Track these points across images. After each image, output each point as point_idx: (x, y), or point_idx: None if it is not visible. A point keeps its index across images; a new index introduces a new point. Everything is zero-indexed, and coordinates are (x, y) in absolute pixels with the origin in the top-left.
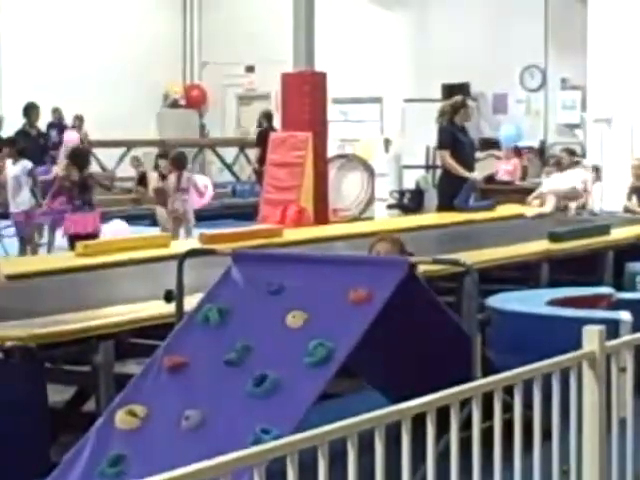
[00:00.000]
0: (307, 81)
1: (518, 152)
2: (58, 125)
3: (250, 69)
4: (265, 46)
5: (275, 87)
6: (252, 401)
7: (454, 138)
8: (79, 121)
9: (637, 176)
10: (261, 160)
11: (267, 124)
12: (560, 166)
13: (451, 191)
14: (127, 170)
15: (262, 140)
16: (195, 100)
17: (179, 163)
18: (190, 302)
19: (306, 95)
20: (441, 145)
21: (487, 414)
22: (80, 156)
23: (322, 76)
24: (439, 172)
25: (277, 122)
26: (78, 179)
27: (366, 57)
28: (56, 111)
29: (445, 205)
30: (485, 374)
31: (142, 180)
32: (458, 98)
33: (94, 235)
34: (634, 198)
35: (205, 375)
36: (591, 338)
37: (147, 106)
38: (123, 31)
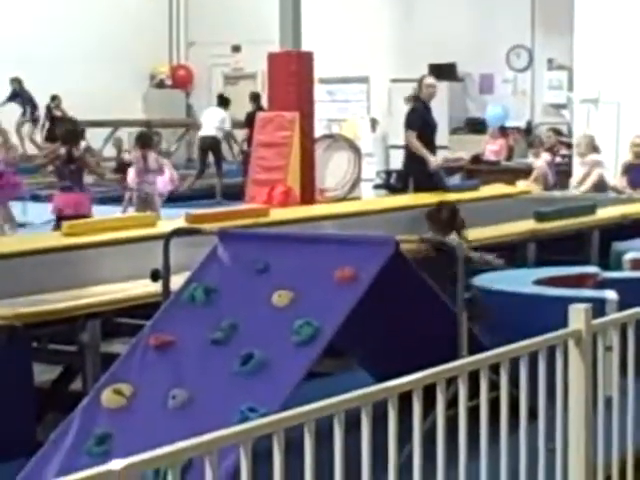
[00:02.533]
0: (294, 61)
1: (504, 132)
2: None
3: (236, 49)
4: (252, 26)
5: (262, 67)
6: (238, 380)
7: (423, 119)
8: (57, 101)
9: (636, 154)
10: (249, 141)
11: (255, 105)
12: (543, 146)
13: (420, 172)
14: (113, 151)
15: (250, 121)
16: (181, 80)
17: (143, 141)
18: (176, 281)
19: (293, 75)
20: (408, 125)
21: (473, 392)
22: (69, 134)
23: (309, 56)
24: (405, 153)
25: (264, 102)
26: (66, 158)
27: (353, 37)
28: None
29: (421, 186)
30: (472, 352)
31: (120, 167)
32: (420, 76)
33: (86, 217)
34: (624, 177)
35: (191, 354)
36: (577, 317)
37: (133, 86)
38: (109, 11)
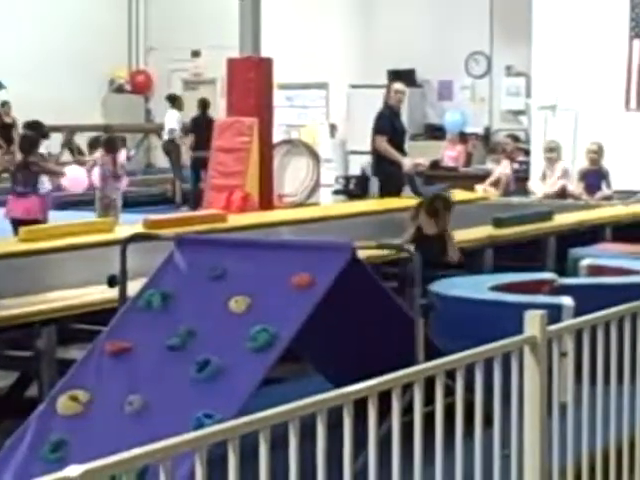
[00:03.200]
0: (253, 66)
1: (463, 138)
2: None
3: (196, 54)
4: (211, 31)
5: (221, 72)
6: (195, 386)
7: (391, 124)
8: (6, 107)
9: (592, 160)
10: (196, 146)
11: (201, 111)
12: (505, 153)
13: (390, 176)
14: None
15: (195, 127)
16: (141, 85)
17: (111, 146)
18: (133, 287)
19: (252, 80)
20: (377, 130)
21: (430, 398)
22: (26, 140)
23: (268, 62)
24: (374, 158)
25: (223, 108)
26: (21, 163)
27: (312, 43)
28: None
29: (387, 190)
30: (429, 358)
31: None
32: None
33: (40, 221)
34: (580, 184)
35: (148, 360)
36: (532, 323)
37: (92, 91)
38: (68, 16)
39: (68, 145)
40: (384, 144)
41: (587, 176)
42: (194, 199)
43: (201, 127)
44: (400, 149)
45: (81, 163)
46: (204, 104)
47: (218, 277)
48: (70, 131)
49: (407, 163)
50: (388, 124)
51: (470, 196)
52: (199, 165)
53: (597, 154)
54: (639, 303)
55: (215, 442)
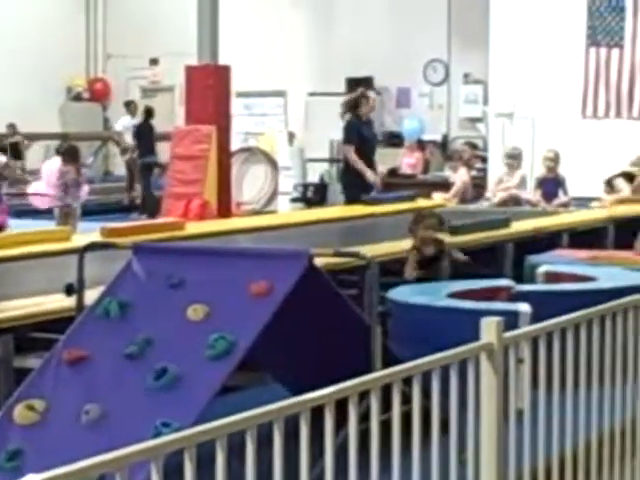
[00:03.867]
0: (211, 74)
1: (421, 145)
2: None
3: (154, 62)
4: (169, 39)
5: (179, 80)
6: (152, 395)
7: (359, 133)
8: None
9: (549, 168)
10: (140, 152)
11: (145, 118)
12: (462, 160)
13: (355, 185)
14: (31, 163)
15: (139, 133)
16: (99, 93)
17: (74, 155)
18: (91, 296)
19: (210, 88)
20: (346, 140)
21: (388, 406)
22: None
23: (226, 69)
24: (341, 166)
25: (182, 116)
26: None
27: (270, 51)
28: None
29: (351, 199)
30: (386, 366)
31: None
32: (359, 90)
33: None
34: (537, 191)
35: (105, 369)
36: (489, 329)
37: (50, 99)
38: (26, 24)
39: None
40: (351, 154)
41: (544, 183)
42: (146, 205)
43: (144, 134)
44: (369, 158)
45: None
46: (148, 112)
47: (176, 285)
48: (30, 139)
49: (371, 177)
50: (356, 133)
51: (428, 204)
52: (145, 171)
53: (553, 161)
54: (594, 309)
55: (172, 451)
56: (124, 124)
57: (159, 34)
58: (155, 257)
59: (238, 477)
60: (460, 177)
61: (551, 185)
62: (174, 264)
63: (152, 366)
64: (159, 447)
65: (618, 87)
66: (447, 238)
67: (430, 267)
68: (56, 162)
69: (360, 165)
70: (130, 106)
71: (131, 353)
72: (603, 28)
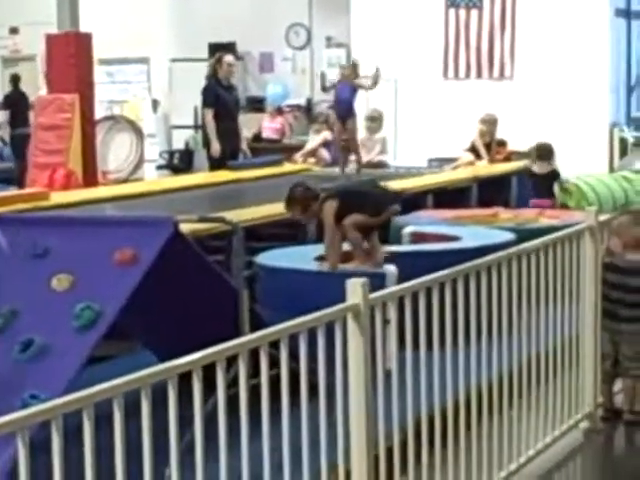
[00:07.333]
0: (72, 42)
1: (280, 111)
2: None
3: (14, 31)
4: (29, 8)
5: (41, 49)
6: (19, 367)
7: (217, 96)
8: None
9: (482, 133)
10: (12, 123)
11: (13, 87)
12: (328, 124)
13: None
14: None
15: (9, 104)
16: None
17: None
18: None
19: (71, 56)
20: (204, 103)
21: (257, 370)
22: None
23: (87, 37)
24: (203, 130)
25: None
26: None
27: (131, 17)
28: None
29: (215, 165)
30: (256, 330)
31: None
32: (216, 55)
33: None
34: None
35: None
36: (355, 291)
37: None
38: None
39: None
40: (208, 117)
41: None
42: (19, 178)
43: (15, 104)
44: (229, 122)
45: None
46: (15, 79)
47: (40, 255)
48: None
49: (215, 147)
50: (213, 97)
51: (292, 168)
52: (20, 142)
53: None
54: (458, 268)
55: (38, 423)
56: None
57: (18, 3)
58: (18, 228)
59: (107, 447)
60: (322, 140)
61: None
62: (38, 234)
63: (18, 338)
64: (23, 419)
65: (478, 48)
66: None
67: None
68: None
69: (211, 132)
70: None
71: None
72: None
